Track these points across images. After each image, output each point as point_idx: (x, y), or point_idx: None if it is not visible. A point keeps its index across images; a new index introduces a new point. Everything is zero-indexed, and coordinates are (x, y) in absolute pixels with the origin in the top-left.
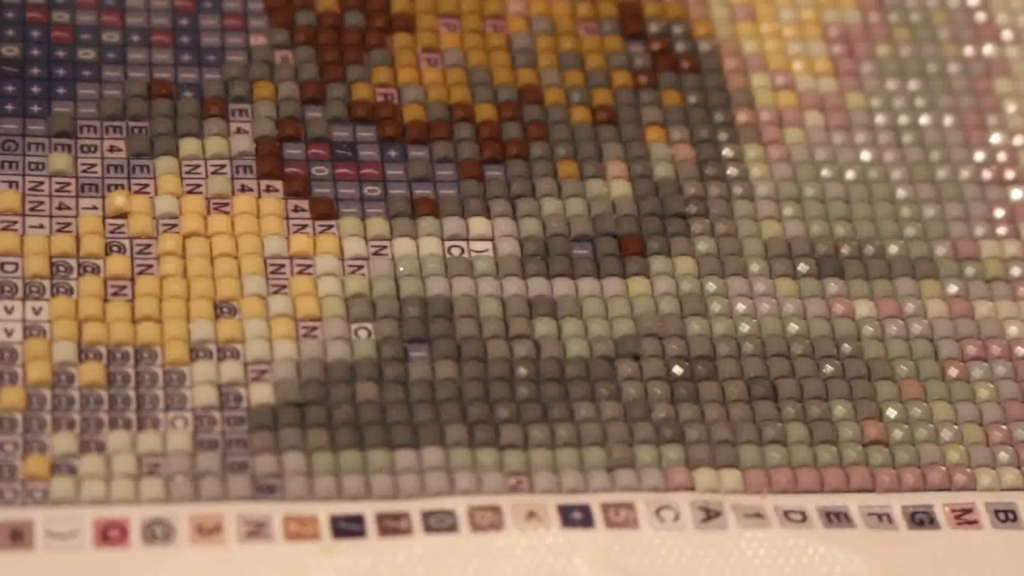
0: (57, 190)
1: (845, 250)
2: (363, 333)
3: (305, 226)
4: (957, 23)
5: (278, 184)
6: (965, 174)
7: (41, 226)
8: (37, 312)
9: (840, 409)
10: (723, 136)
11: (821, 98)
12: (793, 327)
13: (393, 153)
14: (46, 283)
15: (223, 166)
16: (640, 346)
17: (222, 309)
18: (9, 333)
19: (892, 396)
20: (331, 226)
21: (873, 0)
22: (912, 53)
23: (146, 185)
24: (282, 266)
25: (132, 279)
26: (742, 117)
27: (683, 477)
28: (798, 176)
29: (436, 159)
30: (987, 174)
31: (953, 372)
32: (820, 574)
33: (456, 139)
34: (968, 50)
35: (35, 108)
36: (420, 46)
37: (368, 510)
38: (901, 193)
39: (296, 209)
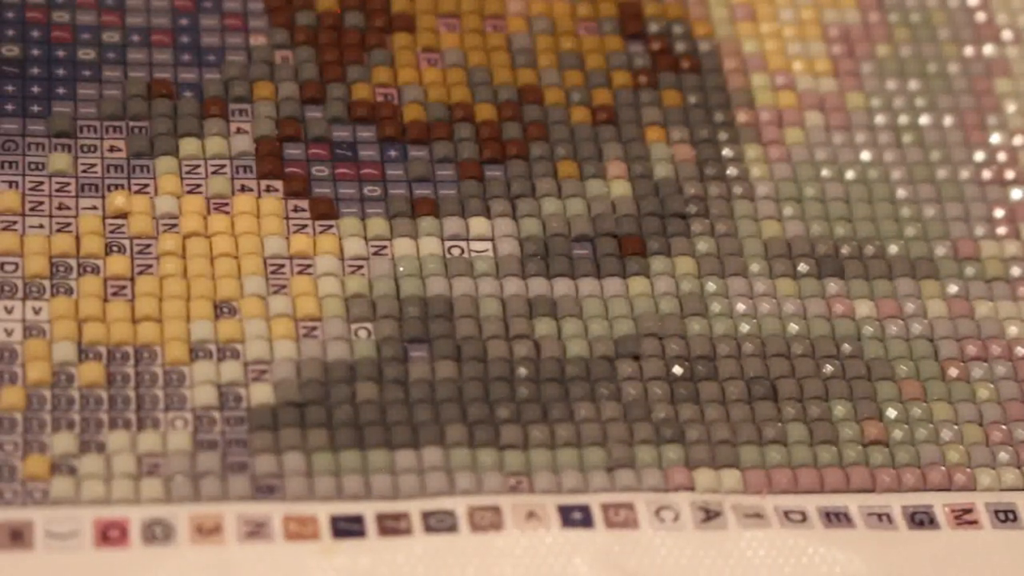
0: (57, 190)
1: (845, 250)
2: (363, 333)
3: (305, 226)
4: (957, 23)
5: (278, 184)
6: (965, 174)
7: (41, 226)
8: (37, 312)
9: (840, 409)
10: (723, 136)
11: (821, 98)
12: (793, 327)
13: (393, 153)
14: (46, 283)
15: (223, 166)
16: (640, 346)
17: (222, 309)
18: (9, 333)
19: (892, 396)
20: (331, 226)
21: (873, 0)
22: (912, 53)
23: (146, 185)
24: (282, 266)
25: (132, 279)
26: (742, 117)
27: (683, 477)
28: (798, 176)
29: (436, 159)
30: (987, 174)
31: (953, 372)
32: (820, 574)
33: (456, 139)
34: (968, 50)
35: (35, 108)
36: (420, 46)
37: (368, 510)
38: (901, 193)
39: (296, 209)
